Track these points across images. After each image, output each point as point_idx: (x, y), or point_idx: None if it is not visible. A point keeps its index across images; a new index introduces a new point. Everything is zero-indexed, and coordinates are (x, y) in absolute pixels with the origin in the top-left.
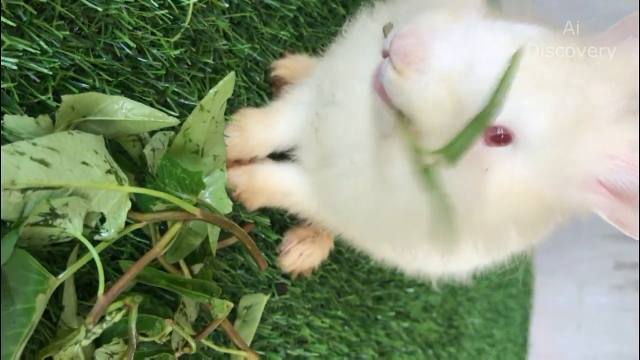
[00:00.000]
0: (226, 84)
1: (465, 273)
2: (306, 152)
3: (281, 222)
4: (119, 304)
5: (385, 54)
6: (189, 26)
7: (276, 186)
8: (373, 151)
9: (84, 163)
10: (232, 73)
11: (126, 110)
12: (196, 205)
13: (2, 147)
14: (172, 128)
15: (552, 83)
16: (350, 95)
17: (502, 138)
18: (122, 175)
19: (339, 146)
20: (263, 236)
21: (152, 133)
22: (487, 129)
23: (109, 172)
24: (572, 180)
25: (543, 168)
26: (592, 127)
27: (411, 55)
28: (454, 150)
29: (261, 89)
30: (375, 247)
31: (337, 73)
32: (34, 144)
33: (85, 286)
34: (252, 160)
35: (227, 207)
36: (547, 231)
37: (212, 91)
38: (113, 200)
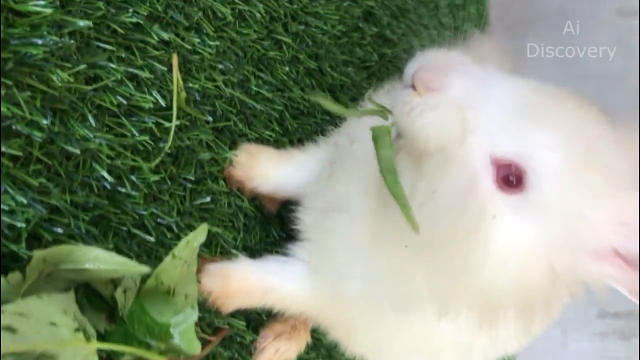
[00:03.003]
0: (198, 233)
1: None
2: (310, 204)
3: (257, 320)
4: None
5: (404, 86)
6: (171, 145)
7: (254, 285)
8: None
9: (52, 324)
10: (205, 225)
11: (98, 260)
12: (165, 351)
13: None
14: None
15: (563, 123)
16: (366, 144)
17: (513, 183)
18: (91, 330)
19: (352, 187)
20: (238, 339)
21: None
22: (500, 166)
23: (77, 330)
24: (585, 247)
25: (554, 229)
26: (605, 192)
27: (431, 82)
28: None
29: (243, 193)
30: (362, 337)
31: (355, 128)
32: (2, 312)
33: None
34: (251, 191)
35: (196, 348)
36: (548, 318)
37: (183, 241)
38: (80, 356)
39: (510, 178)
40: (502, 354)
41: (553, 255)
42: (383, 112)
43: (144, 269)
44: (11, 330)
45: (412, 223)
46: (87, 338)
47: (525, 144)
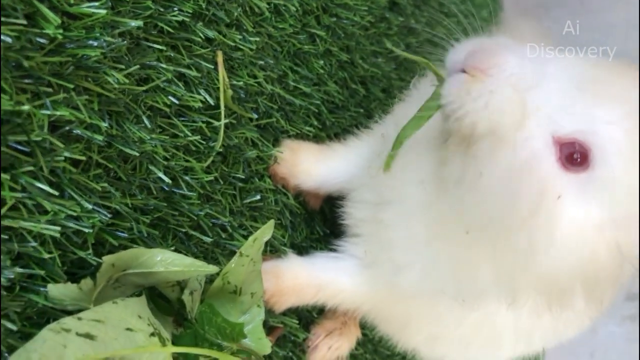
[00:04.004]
0: (265, 230)
1: None
2: (360, 198)
3: (308, 318)
4: None
5: (454, 71)
6: (220, 144)
7: (306, 283)
8: (436, 160)
9: (128, 329)
10: (272, 221)
11: (166, 262)
12: (236, 352)
13: (48, 326)
14: None
15: (624, 96)
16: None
17: (578, 161)
18: (165, 334)
19: (406, 181)
20: (292, 337)
21: None
22: (563, 145)
23: (152, 334)
24: None
25: (621, 206)
26: None
27: (485, 62)
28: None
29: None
30: (416, 330)
31: (402, 118)
32: (79, 319)
33: None
34: (295, 188)
35: (266, 347)
36: (613, 296)
37: (251, 238)
38: None
39: (575, 156)
40: (562, 340)
41: (620, 234)
42: (440, 77)
43: (213, 269)
44: (90, 337)
45: (388, 162)
46: (162, 342)
47: (588, 121)
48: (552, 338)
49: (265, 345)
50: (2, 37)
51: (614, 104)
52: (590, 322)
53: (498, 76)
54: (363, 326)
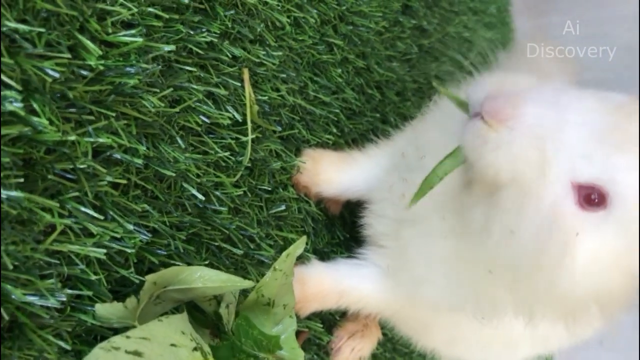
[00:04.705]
0: (297, 245)
1: None
2: (382, 212)
3: (331, 321)
4: None
5: (474, 115)
6: (250, 158)
7: (330, 289)
8: (458, 198)
9: (172, 345)
10: (304, 237)
11: (204, 278)
12: None
13: (99, 345)
14: None
15: None
16: (436, 159)
17: (596, 201)
18: (206, 348)
19: (428, 207)
20: (317, 340)
21: None
22: (581, 188)
23: (195, 349)
24: None
25: (636, 239)
26: None
27: (502, 113)
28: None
29: (309, 197)
30: (436, 334)
31: (425, 139)
32: (127, 337)
33: None
34: (316, 195)
35: (299, 357)
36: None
37: (284, 254)
38: None
39: (593, 197)
40: (578, 341)
41: (634, 262)
42: (464, 106)
43: (249, 284)
44: (138, 354)
45: (415, 200)
46: (204, 356)
47: (607, 169)
48: (569, 340)
49: (298, 354)
50: (49, 72)
51: (630, 151)
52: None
53: (516, 128)
54: (383, 326)
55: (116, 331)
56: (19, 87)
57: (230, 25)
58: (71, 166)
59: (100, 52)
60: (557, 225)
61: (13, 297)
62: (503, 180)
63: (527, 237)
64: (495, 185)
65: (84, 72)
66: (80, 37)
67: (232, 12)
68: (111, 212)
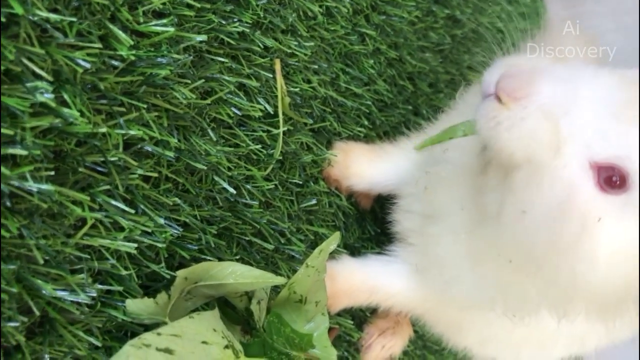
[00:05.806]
0: (331, 241)
1: None
2: (408, 207)
3: (361, 317)
4: None
5: (488, 96)
6: (281, 151)
7: (360, 286)
8: (475, 185)
9: (203, 342)
10: (337, 233)
11: (236, 274)
12: None
13: (130, 342)
14: None
15: None
16: (461, 150)
17: (617, 183)
18: (238, 345)
19: (450, 201)
20: (347, 337)
21: None
22: (601, 169)
23: (226, 347)
24: None
25: None
26: None
27: (517, 91)
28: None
29: (339, 191)
30: (468, 333)
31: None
32: (159, 334)
33: None
34: (347, 189)
35: (332, 355)
36: None
37: (317, 250)
38: None
39: (614, 179)
40: (616, 341)
41: None
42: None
43: (281, 280)
44: (169, 351)
45: (420, 146)
46: (236, 354)
47: (624, 147)
48: (606, 339)
49: (331, 353)
50: (80, 63)
51: None
52: None
53: (529, 105)
54: (414, 323)
55: (146, 327)
56: (50, 78)
57: (262, 15)
58: (102, 159)
59: (132, 42)
60: (574, 205)
61: (44, 292)
62: (518, 161)
63: (540, 217)
64: (511, 167)
65: (115, 63)
66: (111, 26)
67: (264, 1)
68: (142, 206)
